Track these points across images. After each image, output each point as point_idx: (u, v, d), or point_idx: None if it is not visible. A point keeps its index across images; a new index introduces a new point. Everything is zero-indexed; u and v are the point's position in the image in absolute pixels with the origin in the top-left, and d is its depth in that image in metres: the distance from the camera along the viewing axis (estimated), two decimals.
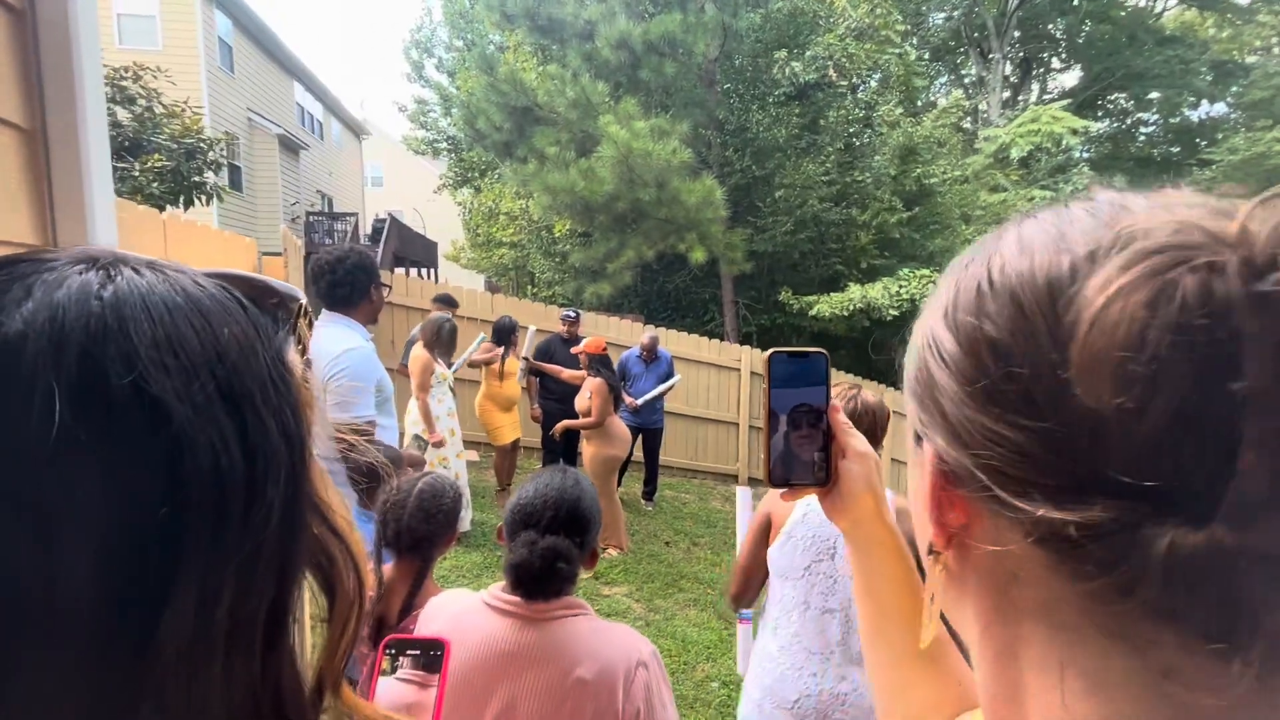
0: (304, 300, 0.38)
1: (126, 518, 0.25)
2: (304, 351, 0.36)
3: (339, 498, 0.36)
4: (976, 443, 0.29)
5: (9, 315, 0.25)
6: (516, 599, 1.13)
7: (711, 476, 7.78)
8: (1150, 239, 0.25)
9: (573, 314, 5.76)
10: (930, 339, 0.33)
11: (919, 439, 0.34)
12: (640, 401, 5.61)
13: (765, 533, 1.81)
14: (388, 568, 1.56)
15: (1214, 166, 15.39)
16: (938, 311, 0.33)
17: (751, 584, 1.86)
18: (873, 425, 1.72)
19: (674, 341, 7.59)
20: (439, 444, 4.17)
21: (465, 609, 1.15)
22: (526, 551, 1.12)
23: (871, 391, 1.76)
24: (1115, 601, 0.26)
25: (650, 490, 6.15)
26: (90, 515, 0.25)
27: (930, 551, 0.34)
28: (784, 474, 0.55)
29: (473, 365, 5.17)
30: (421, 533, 1.50)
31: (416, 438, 3.83)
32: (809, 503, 1.84)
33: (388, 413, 2.25)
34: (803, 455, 0.55)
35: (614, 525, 4.60)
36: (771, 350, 0.56)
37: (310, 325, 0.38)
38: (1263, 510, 0.23)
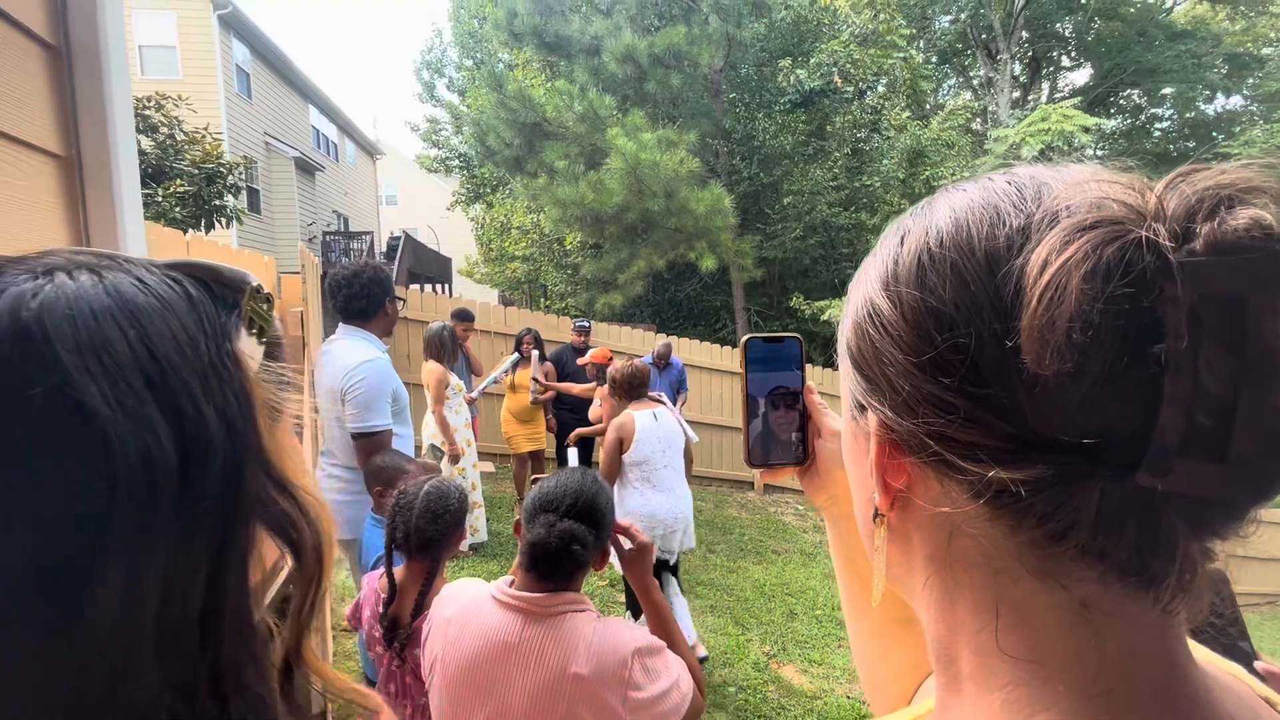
0: (254, 283, 0.38)
1: (55, 511, 0.27)
2: (262, 333, 0.37)
3: (310, 475, 0.38)
4: (925, 411, 0.30)
5: None
6: (523, 594, 1.17)
7: (727, 484, 7.76)
8: (1080, 215, 0.27)
9: (585, 324, 5.82)
10: (871, 310, 0.34)
11: (861, 408, 0.35)
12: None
13: (620, 447, 3.16)
14: (399, 570, 1.61)
15: (1232, 159, 15.13)
16: (875, 282, 0.34)
17: (612, 479, 3.17)
18: None
19: (686, 350, 7.62)
20: (456, 458, 4.22)
21: (475, 598, 1.20)
22: (544, 531, 1.17)
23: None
24: (1047, 546, 0.29)
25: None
26: (19, 509, 0.27)
27: (875, 515, 0.35)
28: (763, 455, 0.57)
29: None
30: (429, 534, 1.55)
31: (433, 448, 3.89)
32: (642, 422, 3.19)
33: (403, 422, 2.30)
34: (781, 436, 0.57)
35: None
36: (747, 336, 0.58)
37: (270, 305, 0.39)
38: (1177, 458, 0.25)
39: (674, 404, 5.75)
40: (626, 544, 1.33)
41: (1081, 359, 0.25)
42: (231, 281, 0.37)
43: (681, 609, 3.31)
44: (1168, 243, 0.25)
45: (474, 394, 4.76)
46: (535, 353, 5.22)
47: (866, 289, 0.35)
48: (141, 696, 0.29)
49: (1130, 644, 0.29)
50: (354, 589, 2.55)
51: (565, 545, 1.17)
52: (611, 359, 4.75)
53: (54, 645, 0.27)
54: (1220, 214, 0.26)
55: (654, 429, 3.18)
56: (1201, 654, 0.36)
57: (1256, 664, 0.55)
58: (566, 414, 5.49)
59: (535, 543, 1.18)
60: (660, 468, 3.17)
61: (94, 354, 0.28)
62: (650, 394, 3.37)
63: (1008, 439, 0.28)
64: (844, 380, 0.37)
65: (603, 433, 4.47)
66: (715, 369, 7.79)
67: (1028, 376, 0.27)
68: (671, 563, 3.32)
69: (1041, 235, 0.28)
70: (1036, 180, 0.31)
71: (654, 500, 3.14)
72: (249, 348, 0.36)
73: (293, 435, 0.41)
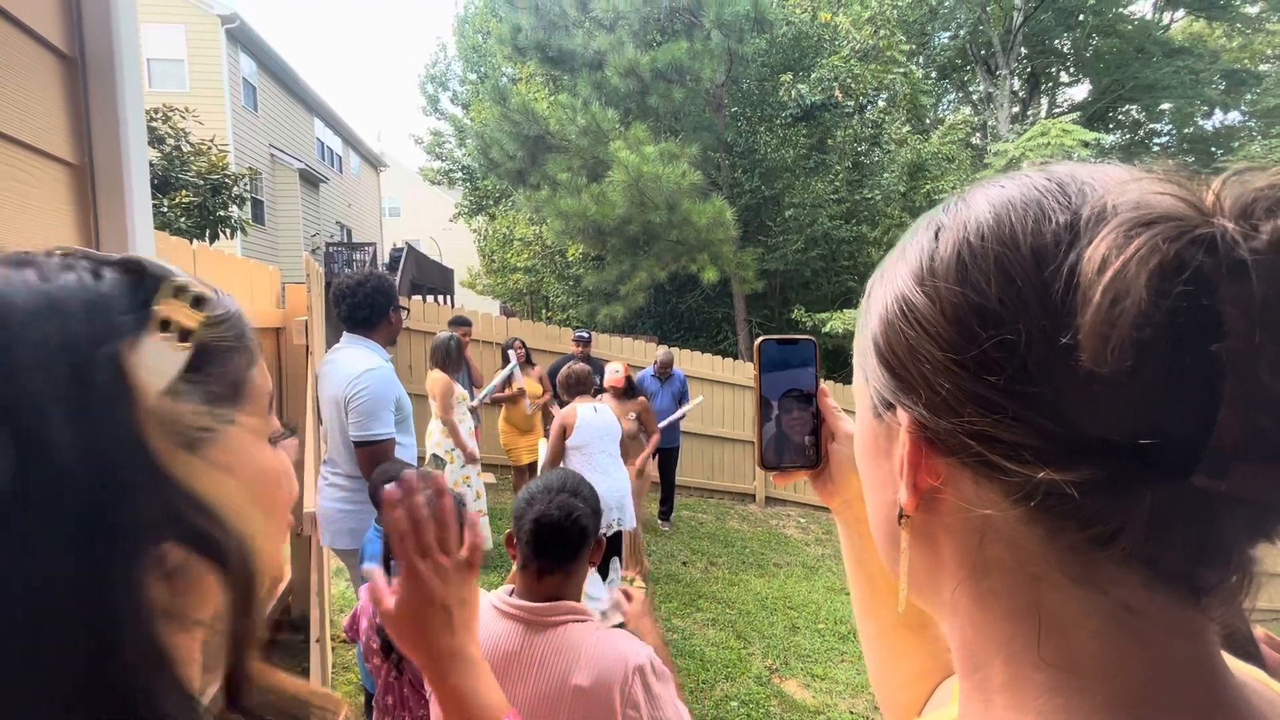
0: (179, 280, 0.36)
1: None
2: (184, 338, 0.35)
3: (232, 486, 0.35)
4: (968, 410, 0.29)
5: None
6: (522, 603, 1.17)
7: (728, 496, 7.73)
8: (1136, 211, 0.26)
9: (585, 335, 5.83)
10: (904, 305, 0.32)
11: (889, 405, 0.34)
12: (663, 424, 5.62)
13: (563, 435, 3.66)
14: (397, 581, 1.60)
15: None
16: (908, 278, 0.33)
17: (556, 462, 3.65)
18: None
19: (688, 361, 7.62)
20: (472, 459, 4.29)
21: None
22: (544, 506, 1.19)
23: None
24: (1090, 551, 0.28)
25: (667, 510, 6.14)
26: None
27: (900, 516, 0.34)
28: (776, 458, 0.57)
29: (495, 402, 5.25)
30: None
31: (435, 458, 3.89)
32: (584, 414, 3.68)
33: (406, 431, 2.30)
34: (794, 439, 0.57)
35: (633, 549, 4.56)
36: (761, 338, 0.57)
37: (201, 306, 0.37)
38: (1234, 460, 0.24)
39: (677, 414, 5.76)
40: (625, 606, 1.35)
41: (1141, 357, 0.25)
42: (151, 276, 0.34)
43: (605, 585, 3.49)
44: (1228, 242, 0.25)
45: (475, 402, 4.76)
46: (511, 364, 5.29)
47: (897, 284, 0.33)
48: None
49: (1171, 651, 0.28)
50: (354, 599, 2.54)
51: (567, 514, 1.18)
52: (626, 380, 4.67)
53: None
54: (1273, 214, 0.25)
55: (594, 420, 3.72)
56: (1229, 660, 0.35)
57: (1256, 631, 0.54)
58: None
59: (539, 519, 1.18)
60: (598, 453, 3.69)
61: None
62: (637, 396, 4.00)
63: (1056, 439, 0.27)
64: (867, 380, 0.36)
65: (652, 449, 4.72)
66: (717, 380, 7.79)
67: (1081, 375, 0.26)
68: (608, 536, 3.69)
69: (1094, 232, 0.27)
70: (1076, 177, 0.30)
71: (593, 480, 3.57)
72: (159, 357, 0.33)
73: (260, 446, 0.39)
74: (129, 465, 0.31)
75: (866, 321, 0.36)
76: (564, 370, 3.90)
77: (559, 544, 1.18)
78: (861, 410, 0.38)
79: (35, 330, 0.29)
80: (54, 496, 0.29)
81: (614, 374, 4.42)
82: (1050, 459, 0.27)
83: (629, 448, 4.34)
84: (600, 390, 5.67)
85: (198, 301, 0.36)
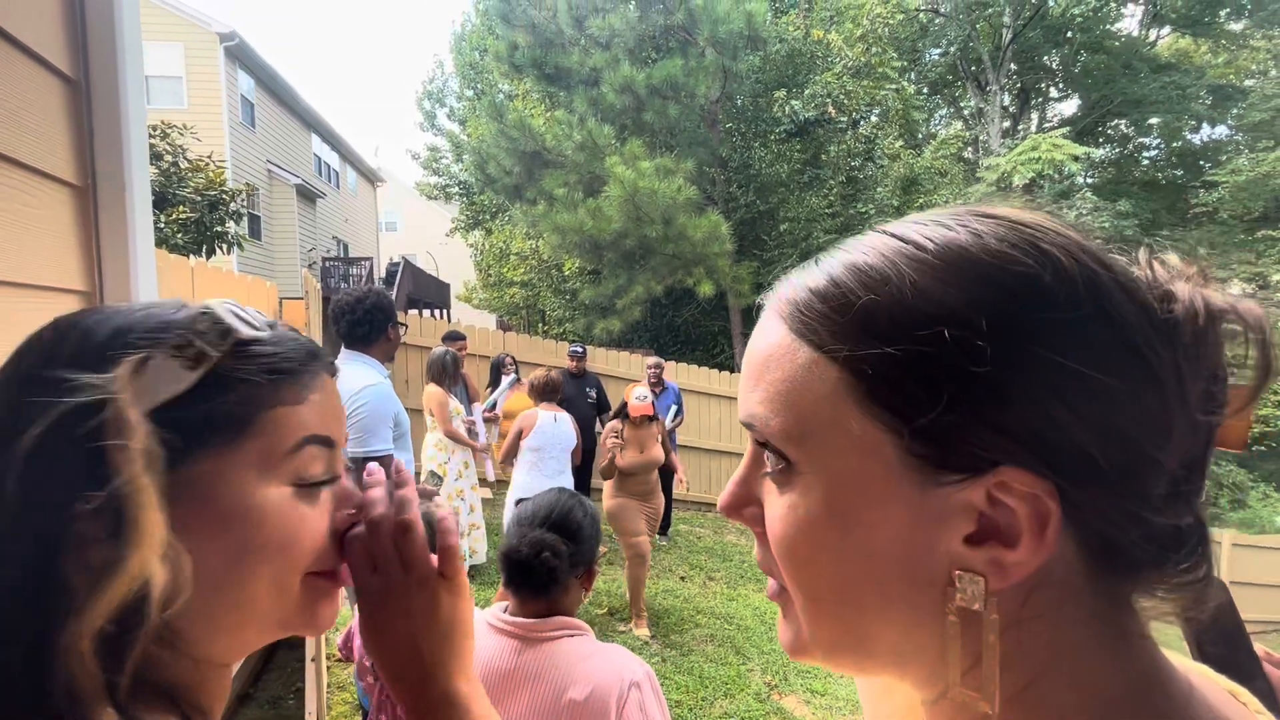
0: (216, 312, 0.39)
1: None
2: (195, 362, 0.37)
3: (179, 512, 0.35)
4: (1128, 479, 0.28)
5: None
6: (517, 619, 1.17)
7: (710, 509, 7.70)
8: (1176, 274, 0.31)
9: (580, 350, 5.83)
10: (1024, 357, 0.27)
11: (972, 469, 0.28)
12: None
13: (519, 435, 3.92)
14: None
15: (1220, 188, 15.45)
16: (1024, 315, 0.28)
17: (509, 458, 4.00)
18: None
19: (684, 375, 7.63)
20: (484, 449, 4.45)
21: None
22: (515, 541, 1.20)
23: None
24: (1115, 583, 0.30)
25: (664, 525, 6.11)
26: None
27: (982, 602, 0.28)
28: None
29: (508, 416, 5.19)
30: None
31: (432, 474, 3.88)
32: (544, 419, 3.95)
33: (404, 447, 2.30)
34: None
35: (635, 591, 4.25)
36: None
37: (187, 362, 0.37)
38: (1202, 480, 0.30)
39: (669, 427, 5.74)
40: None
41: (1215, 404, 0.30)
42: (197, 306, 0.40)
43: None
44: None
45: (473, 417, 4.74)
46: (511, 376, 5.29)
47: (1006, 323, 0.28)
48: None
49: (1151, 659, 0.31)
50: (349, 617, 2.52)
51: (535, 554, 1.17)
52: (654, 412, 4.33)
53: None
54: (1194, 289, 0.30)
55: (552, 427, 3.99)
56: (1174, 656, 0.36)
57: (1257, 648, 0.55)
58: None
59: (506, 553, 1.20)
60: (549, 458, 3.96)
61: None
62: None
63: (1168, 497, 0.29)
64: (908, 426, 0.29)
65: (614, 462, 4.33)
66: (712, 394, 7.79)
67: (1202, 426, 0.29)
68: None
69: (1172, 301, 0.29)
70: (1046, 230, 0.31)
71: (539, 480, 3.85)
72: (159, 374, 0.36)
73: (255, 484, 0.38)
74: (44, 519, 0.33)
75: (903, 366, 0.29)
76: (537, 374, 4.16)
77: (525, 580, 1.18)
78: (848, 470, 0.30)
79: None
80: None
81: (640, 401, 4.04)
82: (1166, 509, 0.29)
83: (651, 479, 4.18)
84: (602, 407, 5.66)
85: (224, 334, 0.38)
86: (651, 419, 4.11)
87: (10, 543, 0.33)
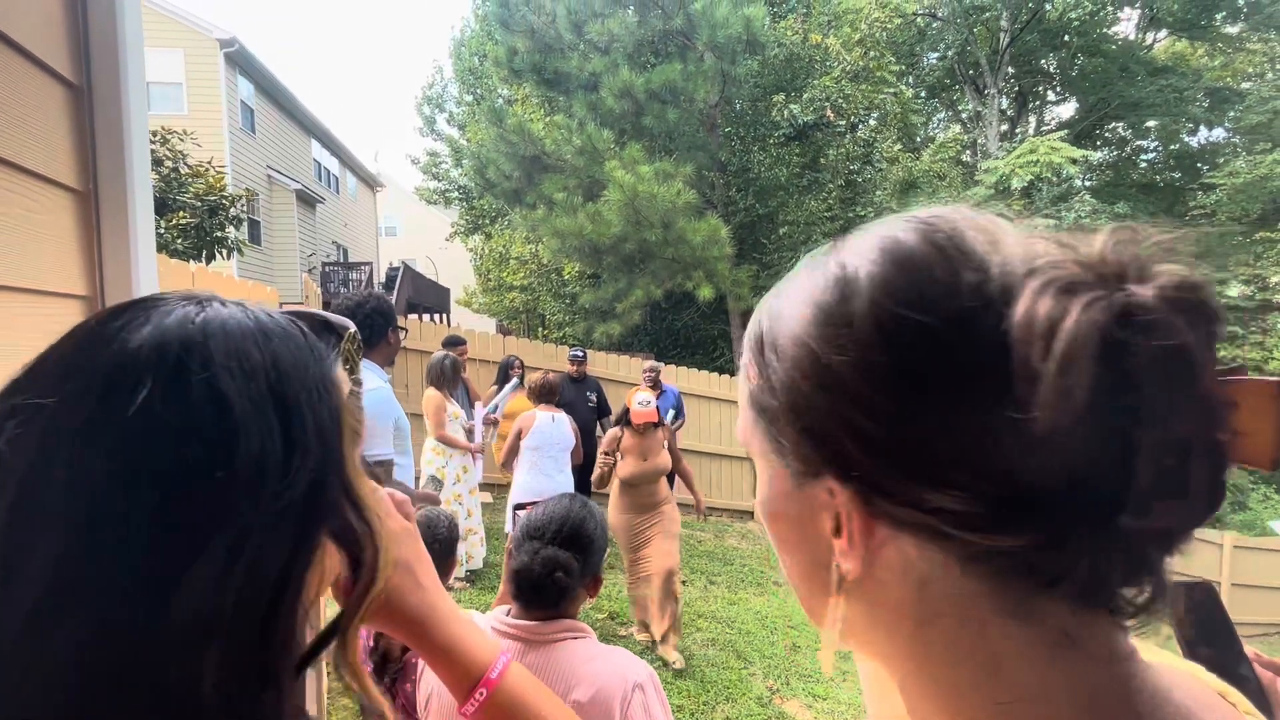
0: (352, 329, 0.47)
1: (185, 490, 0.33)
2: (352, 370, 0.44)
3: (376, 494, 0.42)
4: (915, 484, 0.29)
5: (133, 334, 0.35)
6: (520, 622, 1.16)
7: (726, 513, 7.70)
8: (1043, 276, 0.28)
9: (580, 354, 5.80)
10: (822, 374, 0.31)
11: (814, 475, 0.33)
12: None
13: (519, 436, 3.97)
14: None
15: (1218, 190, 15.49)
16: (821, 339, 0.31)
17: (510, 459, 4.05)
18: None
19: (684, 378, 7.63)
20: (479, 451, 4.45)
21: None
22: (528, 559, 1.18)
23: None
24: (1028, 591, 0.29)
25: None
26: (157, 486, 0.33)
27: (838, 583, 0.33)
28: None
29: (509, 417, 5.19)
30: None
31: (432, 478, 3.88)
32: (542, 420, 3.99)
33: (404, 452, 2.30)
34: None
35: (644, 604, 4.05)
36: None
37: (359, 349, 0.45)
38: (1152, 499, 0.27)
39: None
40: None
41: (1088, 419, 0.26)
42: (335, 326, 0.46)
43: None
44: (1148, 301, 0.27)
45: (474, 421, 4.73)
46: (514, 379, 5.27)
47: (809, 347, 0.32)
48: (198, 690, 0.32)
49: (1102, 666, 0.30)
50: None
51: (548, 572, 1.16)
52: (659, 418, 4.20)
53: (137, 626, 0.31)
54: (1157, 271, 0.28)
55: (551, 427, 4.05)
56: (1159, 656, 0.37)
57: (1246, 649, 0.55)
58: None
59: (518, 570, 1.18)
60: (547, 458, 4.02)
61: (237, 359, 0.36)
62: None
63: (1006, 503, 0.28)
64: (773, 440, 0.34)
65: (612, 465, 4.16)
66: (713, 397, 7.79)
67: (1030, 440, 0.27)
68: None
69: (1013, 297, 0.28)
70: (961, 228, 0.31)
71: (538, 480, 3.97)
72: (341, 380, 0.42)
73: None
74: (334, 459, 0.38)
75: (768, 383, 0.34)
76: (534, 376, 4.22)
77: (536, 596, 1.17)
78: (771, 471, 0.36)
79: (283, 347, 0.38)
80: (301, 470, 0.36)
81: (642, 406, 3.84)
82: (1001, 524, 0.28)
83: (659, 489, 3.92)
84: (600, 411, 5.65)
85: (358, 345, 0.47)
86: (656, 425, 3.90)
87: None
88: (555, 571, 1.16)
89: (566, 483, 4.07)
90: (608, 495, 4.11)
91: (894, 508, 0.30)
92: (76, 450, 0.32)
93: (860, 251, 0.32)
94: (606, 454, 3.92)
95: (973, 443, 0.28)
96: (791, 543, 0.36)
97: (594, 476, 4.06)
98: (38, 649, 0.30)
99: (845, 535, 0.32)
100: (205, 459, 0.33)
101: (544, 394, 4.16)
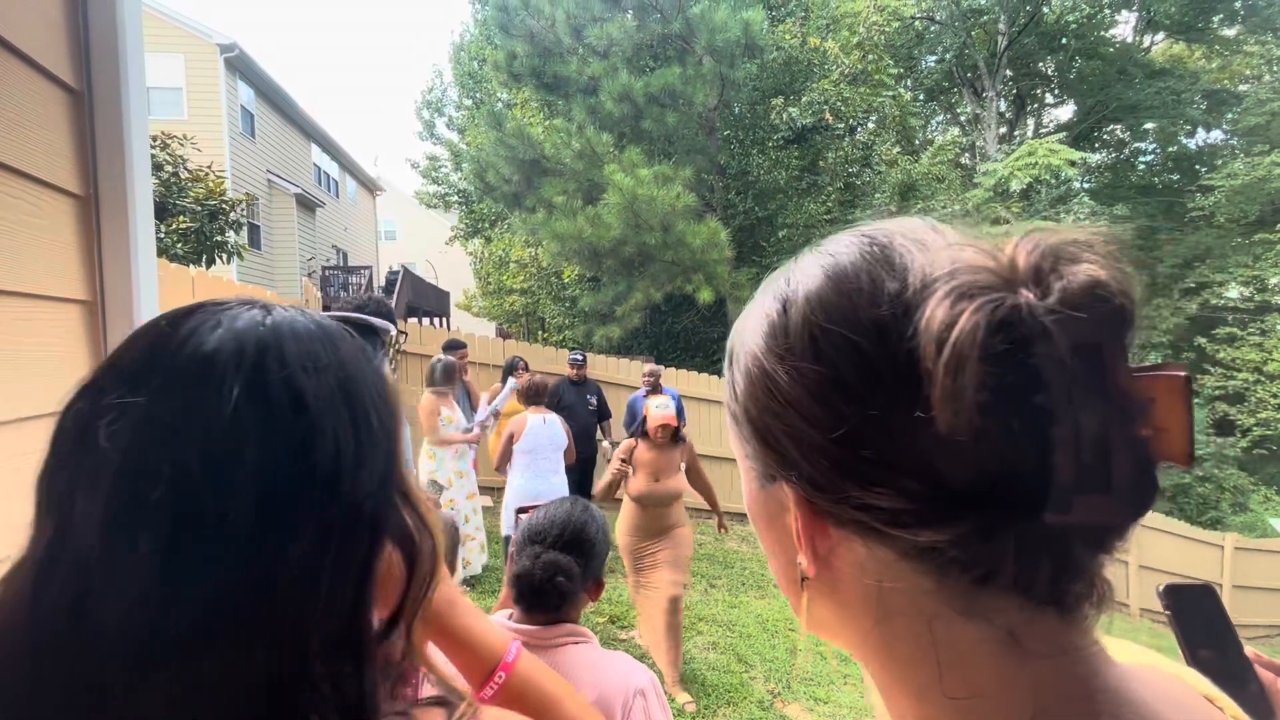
0: (394, 331, 0.48)
1: (273, 479, 0.34)
2: (395, 369, 0.46)
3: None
4: (848, 484, 0.31)
5: (207, 337, 0.36)
6: (522, 626, 1.17)
7: (727, 516, 7.67)
8: (954, 282, 0.29)
9: (580, 358, 5.78)
10: (769, 384, 0.34)
11: (771, 478, 0.35)
12: None
13: (511, 440, 4.00)
14: None
15: (1216, 192, 15.51)
16: (768, 354, 0.34)
17: (504, 464, 4.07)
18: None
19: (684, 381, 7.63)
20: (474, 441, 4.46)
21: None
22: (529, 563, 1.18)
23: None
24: (972, 588, 0.31)
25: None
26: (249, 476, 0.34)
27: (801, 580, 0.35)
28: None
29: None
30: None
31: (433, 482, 3.87)
32: (533, 423, 4.00)
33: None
34: None
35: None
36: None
37: (401, 352, 0.47)
38: (1074, 494, 0.27)
39: None
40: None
41: (986, 419, 0.27)
42: (380, 330, 0.46)
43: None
44: (1036, 304, 0.28)
45: (480, 419, 4.72)
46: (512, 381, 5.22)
47: (759, 359, 0.35)
48: (306, 667, 0.34)
49: (1055, 664, 0.31)
50: None
51: (549, 577, 1.17)
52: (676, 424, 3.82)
53: (248, 629, 0.33)
54: (1066, 272, 0.28)
55: (542, 429, 4.06)
56: (1145, 658, 0.37)
57: (1247, 650, 0.55)
58: None
59: (519, 575, 1.18)
60: (541, 460, 4.03)
61: (309, 358, 0.37)
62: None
63: (930, 500, 0.29)
64: (742, 445, 0.37)
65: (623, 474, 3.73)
66: (713, 400, 7.79)
67: (940, 440, 0.28)
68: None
69: (922, 304, 0.29)
70: (896, 241, 0.33)
71: (533, 482, 3.99)
72: (390, 378, 0.44)
73: None
74: (396, 453, 0.40)
75: (734, 392, 0.37)
76: (525, 379, 4.24)
77: (537, 601, 1.18)
78: (745, 474, 0.39)
79: (347, 348, 0.40)
80: (373, 464, 0.38)
81: (662, 413, 3.36)
82: (927, 519, 0.29)
83: (671, 513, 3.47)
84: (603, 414, 5.64)
85: (397, 342, 0.48)
86: (676, 439, 3.41)
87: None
88: (556, 576, 1.16)
89: (562, 484, 4.10)
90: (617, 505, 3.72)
91: (833, 507, 0.32)
92: (171, 445, 0.33)
93: (804, 268, 0.35)
94: (623, 462, 3.43)
95: (895, 443, 0.30)
96: (768, 543, 0.39)
97: (600, 486, 3.55)
98: (149, 636, 0.31)
99: (794, 534, 0.34)
100: (288, 453, 0.35)
101: (534, 396, 4.17)
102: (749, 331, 0.37)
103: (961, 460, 0.28)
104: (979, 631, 0.31)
